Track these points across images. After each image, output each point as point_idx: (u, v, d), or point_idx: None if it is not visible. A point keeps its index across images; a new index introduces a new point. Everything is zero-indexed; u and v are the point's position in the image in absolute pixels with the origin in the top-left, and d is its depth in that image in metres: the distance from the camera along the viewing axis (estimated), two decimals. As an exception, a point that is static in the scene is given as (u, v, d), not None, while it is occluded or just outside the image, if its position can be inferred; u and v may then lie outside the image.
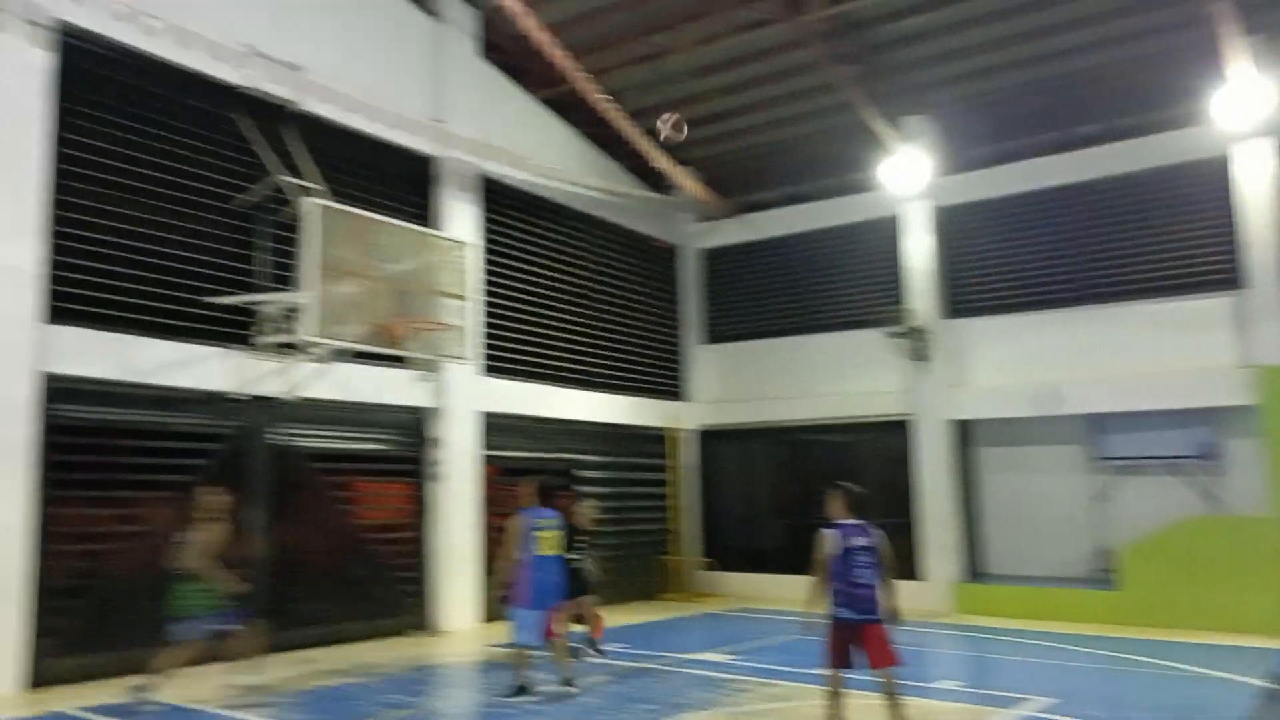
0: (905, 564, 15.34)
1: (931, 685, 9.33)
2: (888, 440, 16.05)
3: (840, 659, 6.94)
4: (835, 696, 7.01)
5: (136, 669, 9.42)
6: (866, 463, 16.31)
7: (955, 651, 12.01)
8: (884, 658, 6.87)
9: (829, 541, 7.02)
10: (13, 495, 8.78)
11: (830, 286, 17.17)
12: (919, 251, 15.91)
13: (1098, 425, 14.80)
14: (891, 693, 6.92)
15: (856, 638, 6.90)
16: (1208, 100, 13.21)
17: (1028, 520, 15.56)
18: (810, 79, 15.52)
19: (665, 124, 10.97)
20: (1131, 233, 14.54)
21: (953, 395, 15.52)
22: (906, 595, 14.52)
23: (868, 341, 16.07)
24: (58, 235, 9.42)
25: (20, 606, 8.75)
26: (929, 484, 15.37)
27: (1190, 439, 14.07)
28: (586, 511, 10.66)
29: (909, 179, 15.58)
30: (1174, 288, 14.10)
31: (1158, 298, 14.18)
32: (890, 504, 15.86)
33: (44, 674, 8.99)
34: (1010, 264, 15.52)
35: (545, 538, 8.53)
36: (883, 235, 16.44)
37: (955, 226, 15.96)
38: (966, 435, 16.18)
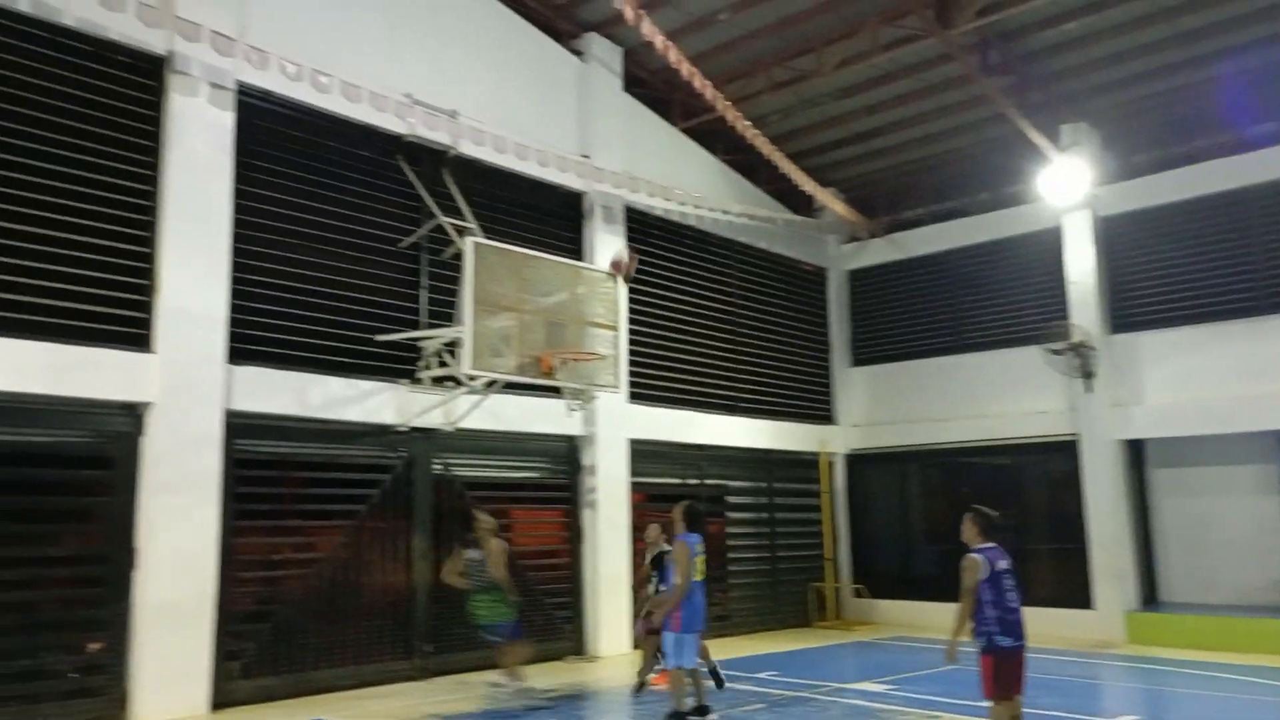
0: (1075, 592, 14.73)
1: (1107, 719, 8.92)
2: (1052, 462, 15.41)
3: (1007, 688, 6.77)
4: None
5: (313, 691, 10.05)
6: (1028, 486, 15.74)
7: (1131, 684, 11.39)
8: (1022, 684, 6.83)
9: (980, 566, 6.86)
10: (207, 525, 9.46)
11: (985, 303, 16.65)
12: (1080, 264, 15.25)
13: (1283, 443, 13.80)
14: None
15: (1017, 665, 6.75)
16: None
17: (1206, 545, 14.61)
18: (960, 93, 15.21)
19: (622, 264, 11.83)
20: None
21: (1121, 414, 14.77)
22: (1076, 625, 14.23)
23: (1026, 359, 15.49)
24: (239, 280, 10.15)
25: (208, 630, 9.38)
26: (1098, 507, 14.64)
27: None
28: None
29: (1068, 189, 14.98)
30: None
31: (1349, 305, 13.16)
32: (1057, 529, 15.25)
33: (227, 695, 9.58)
34: (1179, 274, 14.70)
35: (699, 562, 8.61)
36: (1040, 248, 15.85)
37: (1119, 236, 15.24)
38: (1138, 456, 15.36)
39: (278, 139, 10.82)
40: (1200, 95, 14.65)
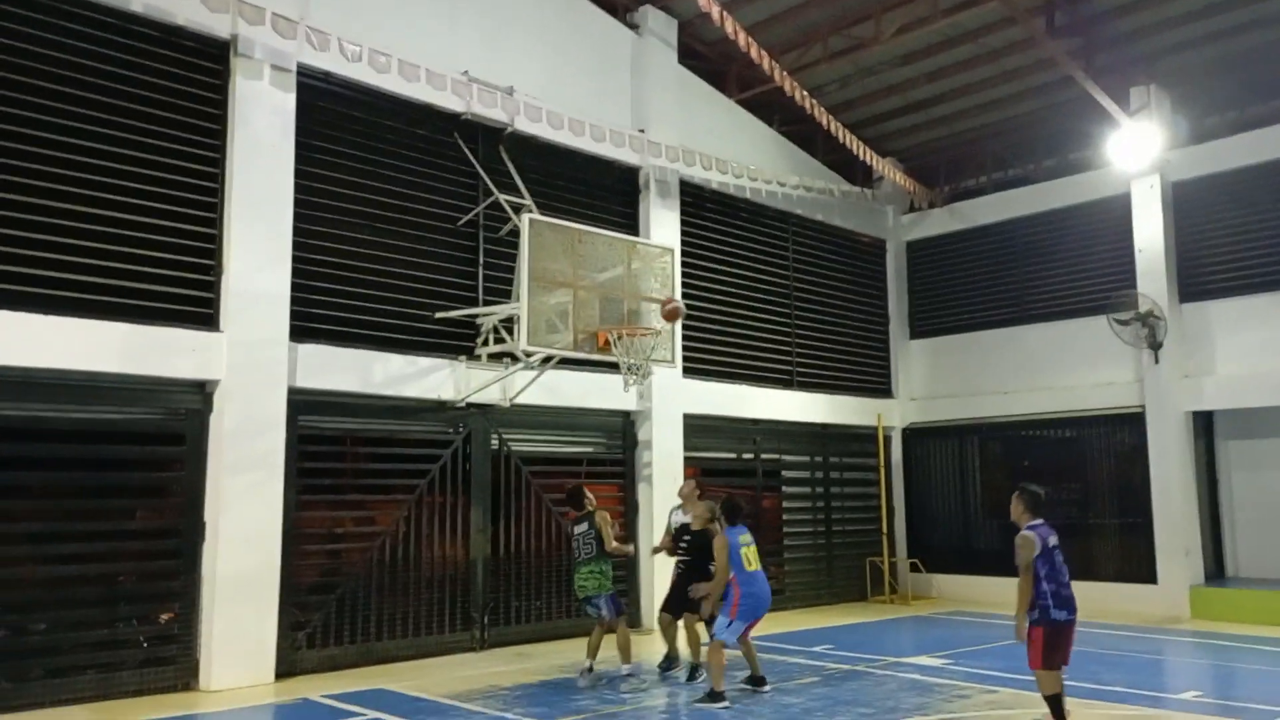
0: (1139, 567, 14.49)
1: (1171, 696, 8.80)
2: (1118, 434, 15.12)
3: (1056, 659, 7.04)
4: (1059, 698, 7.07)
5: (376, 660, 10.33)
6: (1093, 459, 15.47)
7: (1195, 660, 11.18)
8: (1068, 656, 7.10)
9: (1034, 543, 7.05)
10: (273, 500, 9.74)
11: (1048, 273, 16.30)
12: (1149, 231, 14.85)
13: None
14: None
15: (1068, 637, 7.03)
16: None
17: (1277, 519, 14.24)
18: (1024, 57, 14.85)
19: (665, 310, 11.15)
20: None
21: (1191, 385, 14.41)
22: (1140, 600, 14.01)
23: (1092, 330, 15.14)
24: (301, 260, 10.36)
25: (275, 602, 9.66)
26: (1164, 481, 14.34)
27: None
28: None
29: (1137, 154, 14.57)
30: None
31: None
32: (1122, 503, 15.00)
33: (293, 665, 9.89)
34: (1252, 240, 14.24)
35: (750, 553, 8.72)
36: (1107, 216, 15.47)
37: (1189, 202, 14.80)
38: (1208, 427, 15.00)
39: (338, 119, 10.98)
40: (1274, 55, 14.09)
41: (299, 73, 10.42)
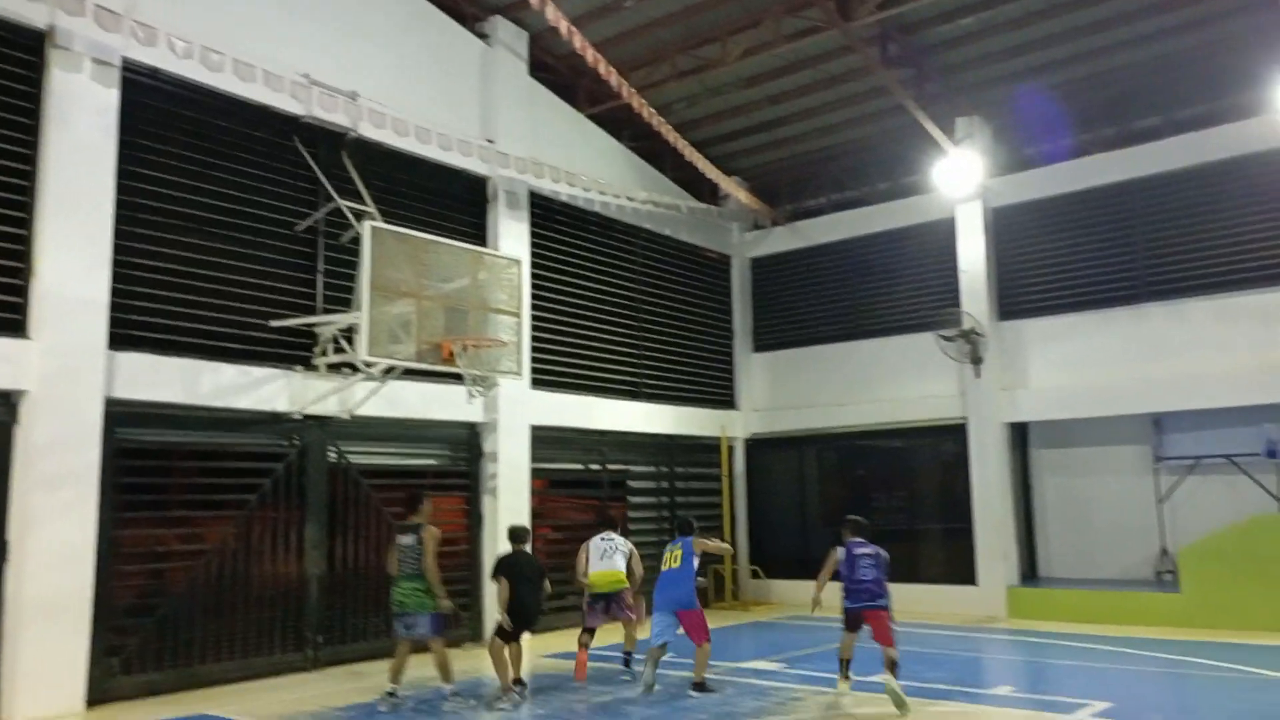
0: (961, 569, 15.31)
1: (987, 691, 9.31)
2: (943, 444, 15.96)
3: (851, 628, 9.20)
4: (845, 661, 9.32)
5: (200, 684, 9.87)
6: (921, 468, 16.27)
7: (1010, 657, 11.90)
8: (884, 638, 8.79)
9: (837, 553, 9.44)
10: (86, 517, 9.16)
11: (882, 291, 17.08)
12: (971, 253, 15.77)
13: (1159, 424, 14.53)
14: (891, 664, 8.63)
15: (860, 619, 9.03)
16: (1276, 87, 12.86)
17: (1087, 523, 15.37)
18: (860, 84, 15.54)
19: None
20: (1193, 227, 14.22)
21: (1008, 397, 15.36)
22: (961, 601, 14.82)
23: (921, 345, 15.94)
24: (123, 265, 9.82)
25: (87, 625, 9.10)
26: (985, 488, 15.22)
27: (1256, 436, 13.74)
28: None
29: (962, 180, 15.47)
30: (1241, 281, 13.75)
31: (1223, 292, 13.86)
32: (945, 509, 15.80)
33: (106, 692, 9.34)
34: (1066, 263, 15.30)
35: (668, 555, 9.94)
36: (936, 238, 16.33)
37: (1009, 227, 15.79)
38: (1023, 438, 16.01)
39: (166, 118, 10.48)
40: (1086, 90, 15.22)
41: (124, 68, 9.91)
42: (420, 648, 9.07)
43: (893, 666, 8.56)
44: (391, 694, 8.91)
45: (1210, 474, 14.22)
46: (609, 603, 10.23)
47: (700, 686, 9.24)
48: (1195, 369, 13.82)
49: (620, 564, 10.28)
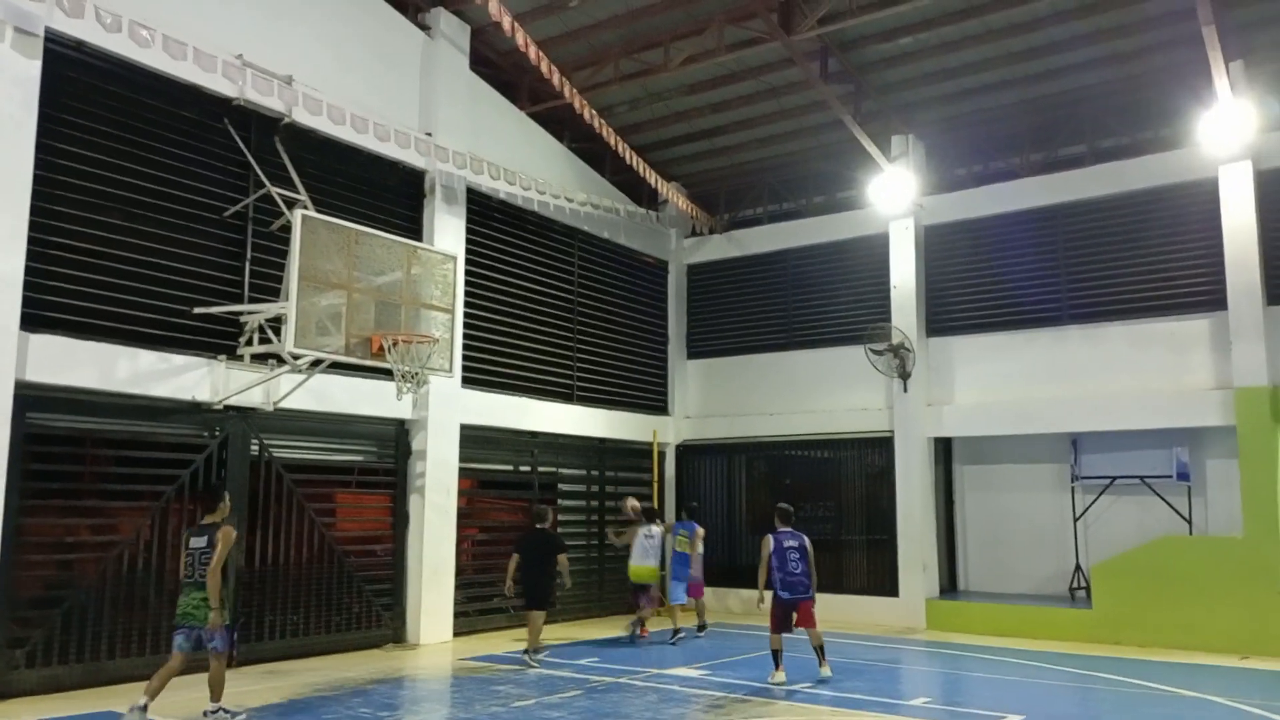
0: (883, 580, 15.52)
1: (904, 702, 9.42)
2: (869, 456, 16.17)
3: (782, 626, 10.20)
4: (778, 652, 10.20)
5: (107, 680, 9.52)
6: (847, 479, 16.46)
7: (929, 668, 12.08)
8: (809, 622, 10.21)
9: (769, 543, 10.34)
10: (-11, 504, 8.79)
11: (816, 303, 17.26)
12: (903, 269, 16.01)
13: (1076, 444, 14.92)
14: (818, 647, 10.21)
15: (791, 611, 10.15)
16: (1194, 122, 13.31)
17: (1005, 538, 15.73)
18: (800, 97, 15.71)
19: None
20: (1115, 254, 14.62)
21: (933, 413, 15.63)
22: (883, 611, 15.04)
23: (851, 358, 16.12)
24: (39, 243, 9.45)
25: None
26: (909, 501, 15.45)
27: (1168, 459, 14.20)
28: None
29: (895, 198, 15.70)
30: (1156, 308, 14.19)
31: (1139, 318, 14.28)
32: (871, 520, 16.02)
33: (9, 685, 9.00)
34: (993, 283, 15.63)
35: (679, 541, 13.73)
36: (868, 253, 16.56)
37: (939, 245, 16.08)
38: (947, 452, 16.32)
39: (91, 93, 10.12)
40: (1015, 116, 15.61)
41: (47, 39, 9.53)
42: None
43: (820, 650, 10.14)
44: (143, 707, 7.73)
45: (1124, 494, 14.65)
46: (639, 591, 13.24)
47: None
48: (1111, 391, 14.24)
49: (655, 562, 13.33)
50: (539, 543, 11.44)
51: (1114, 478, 14.64)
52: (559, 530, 15.63)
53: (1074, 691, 10.20)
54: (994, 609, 14.46)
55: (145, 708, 7.72)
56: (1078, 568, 14.83)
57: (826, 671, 10.17)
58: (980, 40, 14.04)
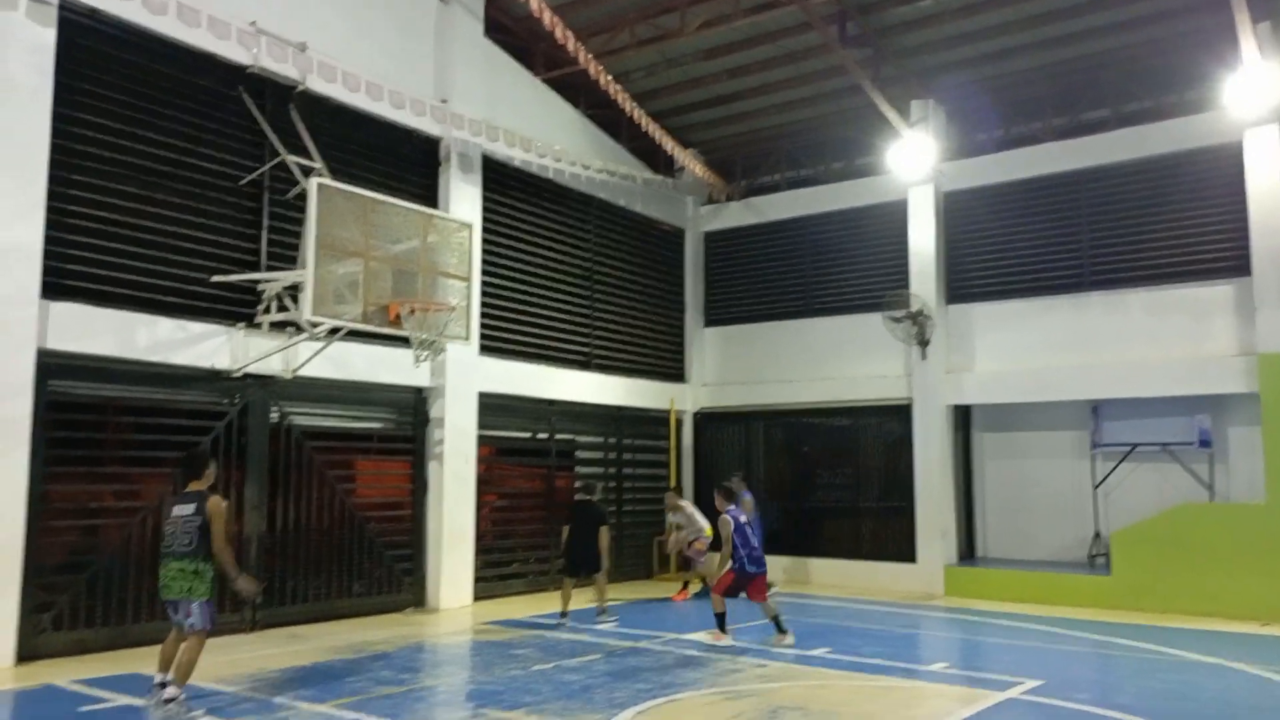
0: (901, 547, 15.53)
1: (923, 667, 9.45)
2: (888, 424, 16.12)
3: (734, 593, 10.47)
4: (724, 617, 10.53)
5: (132, 642, 9.67)
6: (865, 446, 16.44)
7: (946, 635, 12.10)
8: (762, 595, 10.46)
9: (729, 523, 10.48)
10: (15, 471, 8.90)
11: (834, 270, 17.16)
12: (922, 236, 15.86)
13: (1097, 411, 14.82)
14: (775, 617, 10.35)
15: (750, 583, 10.38)
16: (1220, 85, 13.07)
17: (1024, 505, 15.67)
18: (819, 62, 15.52)
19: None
20: (1138, 219, 14.44)
21: (953, 380, 15.55)
22: (901, 578, 15.07)
23: (870, 326, 16.02)
24: (58, 212, 9.49)
25: (16, 581, 8.87)
26: (927, 468, 15.41)
27: (1190, 426, 14.09)
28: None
29: (915, 163, 15.54)
30: (1178, 274, 14.02)
31: (1162, 284, 14.12)
32: (889, 488, 16.00)
33: (38, 648, 9.15)
34: (1014, 249, 15.48)
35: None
36: (888, 219, 16.42)
37: (960, 211, 15.93)
38: (966, 420, 16.25)
39: (106, 61, 10.12)
40: (1045, 78, 15.38)
41: (61, 6, 9.54)
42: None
43: (777, 617, 10.32)
44: (162, 685, 7.33)
45: (1145, 461, 14.56)
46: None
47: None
48: (1132, 358, 14.11)
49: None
50: (585, 513, 12.10)
51: (1135, 445, 14.55)
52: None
53: (1093, 657, 10.20)
54: (1012, 575, 14.44)
55: (165, 685, 7.30)
56: (1097, 534, 14.78)
57: (791, 640, 10.24)
58: (1002, 3, 13.81)
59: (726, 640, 10.31)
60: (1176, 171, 14.16)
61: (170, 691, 7.21)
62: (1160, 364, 13.84)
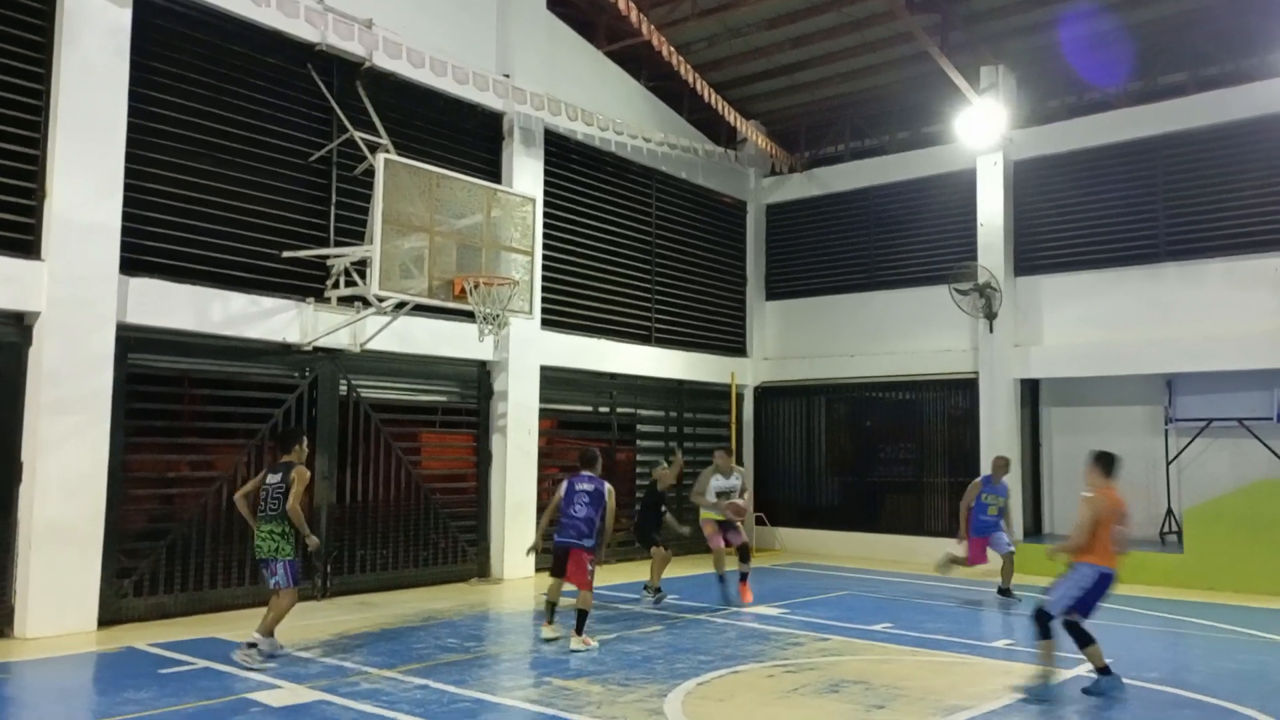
0: (966, 523, 15.31)
1: (987, 644, 9.37)
2: (952, 398, 15.93)
3: (555, 571, 9.11)
4: (553, 605, 9.21)
5: (209, 608, 10.01)
6: (929, 421, 16.27)
7: (1010, 612, 11.93)
8: (579, 577, 8.84)
9: (562, 487, 9.16)
10: (98, 442, 9.22)
11: (898, 242, 16.92)
12: (990, 206, 15.56)
13: (1171, 385, 14.45)
14: (582, 611, 8.79)
15: (563, 558, 8.95)
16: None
17: (1094, 482, 15.33)
18: (884, 29, 15.25)
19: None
20: (1216, 187, 14.00)
21: (1020, 354, 15.27)
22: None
23: (935, 298, 15.79)
24: (135, 189, 9.76)
25: (99, 548, 9.21)
26: (993, 443, 15.14)
27: (1268, 400, 13.68)
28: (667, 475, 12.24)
29: (983, 132, 15.21)
30: (1259, 244, 13.58)
31: (1241, 254, 13.69)
32: (954, 462, 15.81)
33: (117, 613, 9.49)
34: (1085, 220, 15.10)
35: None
36: (954, 189, 16.12)
37: (1030, 180, 15.57)
38: (1034, 394, 15.95)
39: (179, 41, 10.33)
40: (1118, 42, 14.90)
41: (139, -11, 9.74)
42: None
43: (583, 617, 8.72)
44: (253, 645, 7.91)
45: (1220, 437, 14.17)
46: (725, 528, 11.85)
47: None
48: (1208, 331, 13.71)
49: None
50: (648, 494, 12.10)
51: (1210, 420, 14.16)
52: (637, 471, 15.89)
53: (1164, 636, 10.02)
54: (1080, 553, 14.17)
55: (254, 645, 7.87)
56: (1169, 512, 14.45)
57: (578, 644, 8.64)
58: (1075, -36, 13.41)
59: (549, 633, 9.06)
60: (1256, 136, 13.68)
61: (253, 637, 7.94)
62: (1238, 336, 13.42)
